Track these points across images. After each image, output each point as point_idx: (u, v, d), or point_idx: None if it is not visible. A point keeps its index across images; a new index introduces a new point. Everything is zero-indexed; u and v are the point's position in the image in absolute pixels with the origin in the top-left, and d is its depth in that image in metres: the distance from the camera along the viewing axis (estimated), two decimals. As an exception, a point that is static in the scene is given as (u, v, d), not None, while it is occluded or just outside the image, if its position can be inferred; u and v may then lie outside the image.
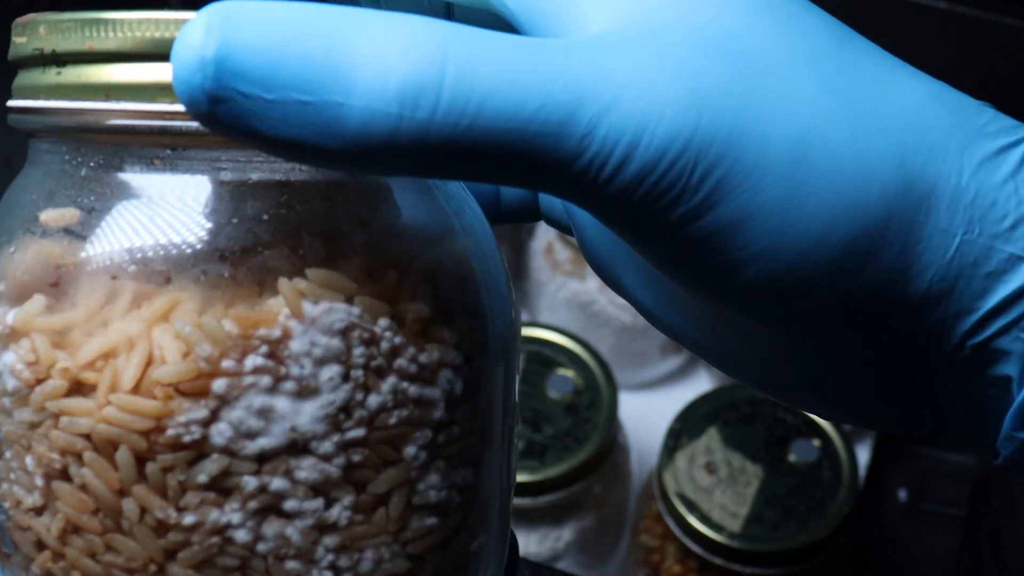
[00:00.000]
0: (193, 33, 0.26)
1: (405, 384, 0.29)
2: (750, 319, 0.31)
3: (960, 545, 0.78)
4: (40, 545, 0.29)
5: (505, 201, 0.38)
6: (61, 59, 0.29)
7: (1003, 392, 0.32)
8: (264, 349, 0.28)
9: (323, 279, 0.28)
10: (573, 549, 0.65)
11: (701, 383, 0.80)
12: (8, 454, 0.29)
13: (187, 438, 0.27)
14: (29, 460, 0.29)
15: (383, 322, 0.28)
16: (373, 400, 0.28)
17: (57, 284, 0.29)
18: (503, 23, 0.33)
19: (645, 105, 0.27)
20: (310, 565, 0.28)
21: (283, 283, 0.28)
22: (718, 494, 0.62)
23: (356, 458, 0.28)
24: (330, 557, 0.28)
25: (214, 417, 0.28)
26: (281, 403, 0.28)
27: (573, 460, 0.63)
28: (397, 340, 0.29)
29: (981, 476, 0.80)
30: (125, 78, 0.28)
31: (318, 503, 0.28)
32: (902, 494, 0.81)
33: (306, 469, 0.28)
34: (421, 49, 0.26)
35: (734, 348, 0.34)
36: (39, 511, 0.29)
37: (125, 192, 0.29)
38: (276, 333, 0.28)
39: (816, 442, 0.64)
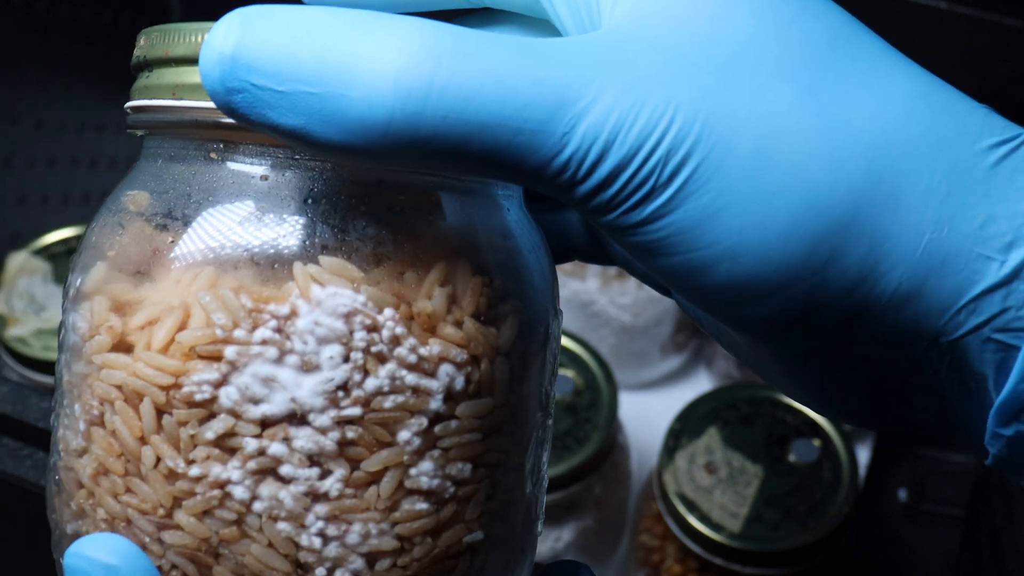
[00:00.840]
0: (217, 34, 0.29)
1: (403, 372, 0.31)
2: (727, 324, 0.32)
3: (960, 545, 0.78)
4: (79, 484, 0.33)
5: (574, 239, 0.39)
6: (150, 64, 0.33)
7: (982, 390, 0.32)
8: (273, 324, 0.31)
9: (333, 267, 0.31)
10: (573, 549, 0.65)
11: (701, 383, 0.80)
12: (65, 402, 0.33)
13: (199, 396, 0.30)
14: (77, 407, 0.32)
15: (388, 312, 0.31)
16: (370, 383, 0.31)
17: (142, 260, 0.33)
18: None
19: (622, 107, 0.29)
20: (300, 529, 0.31)
21: (297, 267, 0.31)
22: (718, 494, 0.62)
23: (351, 435, 0.31)
24: (320, 524, 0.31)
25: (224, 380, 0.31)
26: (284, 374, 0.30)
27: (573, 460, 0.63)
28: (399, 330, 0.31)
29: (981, 476, 0.80)
30: (187, 79, 0.32)
31: (312, 472, 0.31)
32: (902, 494, 0.81)
33: (303, 439, 0.31)
34: (416, 48, 0.29)
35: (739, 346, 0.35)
36: (80, 453, 0.33)
37: (187, 181, 0.33)
38: (284, 310, 0.31)
39: (816, 442, 0.64)
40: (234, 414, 0.30)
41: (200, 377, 0.30)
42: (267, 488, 0.31)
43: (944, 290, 0.31)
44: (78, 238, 0.72)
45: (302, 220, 0.31)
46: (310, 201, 0.32)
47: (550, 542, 0.64)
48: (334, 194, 0.32)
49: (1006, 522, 0.69)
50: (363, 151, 0.29)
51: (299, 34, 0.29)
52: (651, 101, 0.29)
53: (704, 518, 0.61)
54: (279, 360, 0.30)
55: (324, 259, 0.31)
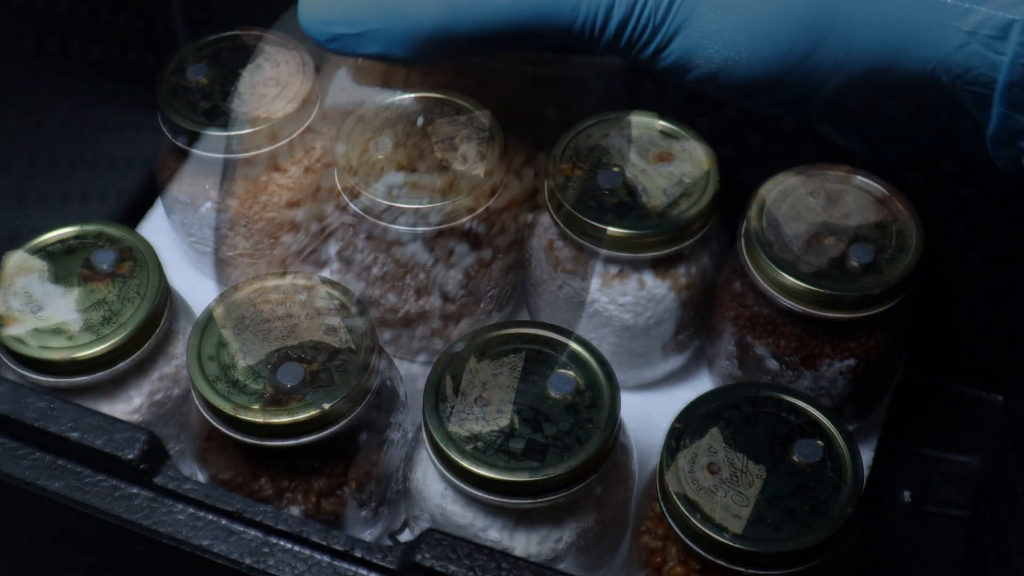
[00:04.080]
0: (309, 6, 0.53)
1: None
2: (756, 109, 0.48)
3: (964, 546, 0.78)
4: None
5: None
6: None
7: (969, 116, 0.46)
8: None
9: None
10: (574, 550, 0.65)
11: (703, 383, 0.79)
12: None
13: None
14: None
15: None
16: None
17: None
18: None
19: None
20: None
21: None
22: (720, 495, 0.61)
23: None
24: None
25: None
26: None
27: (574, 460, 0.62)
28: None
29: (985, 477, 0.79)
30: None
31: None
32: (906, 495, 0.81)
33: None
34: None
35: None
36: None
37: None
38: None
39: (819, 442, 0.63)
40: None
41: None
42: None
43: (918, 57, 0.42)
44: (76, 237, 0.72)
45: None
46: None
47: (551, 543, 0.64)
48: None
49: (1011, 523, 0.69)
50: (425, 58, 0.50)
51: None
52: None
53: (706, 519, 0.61)
54: None
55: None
